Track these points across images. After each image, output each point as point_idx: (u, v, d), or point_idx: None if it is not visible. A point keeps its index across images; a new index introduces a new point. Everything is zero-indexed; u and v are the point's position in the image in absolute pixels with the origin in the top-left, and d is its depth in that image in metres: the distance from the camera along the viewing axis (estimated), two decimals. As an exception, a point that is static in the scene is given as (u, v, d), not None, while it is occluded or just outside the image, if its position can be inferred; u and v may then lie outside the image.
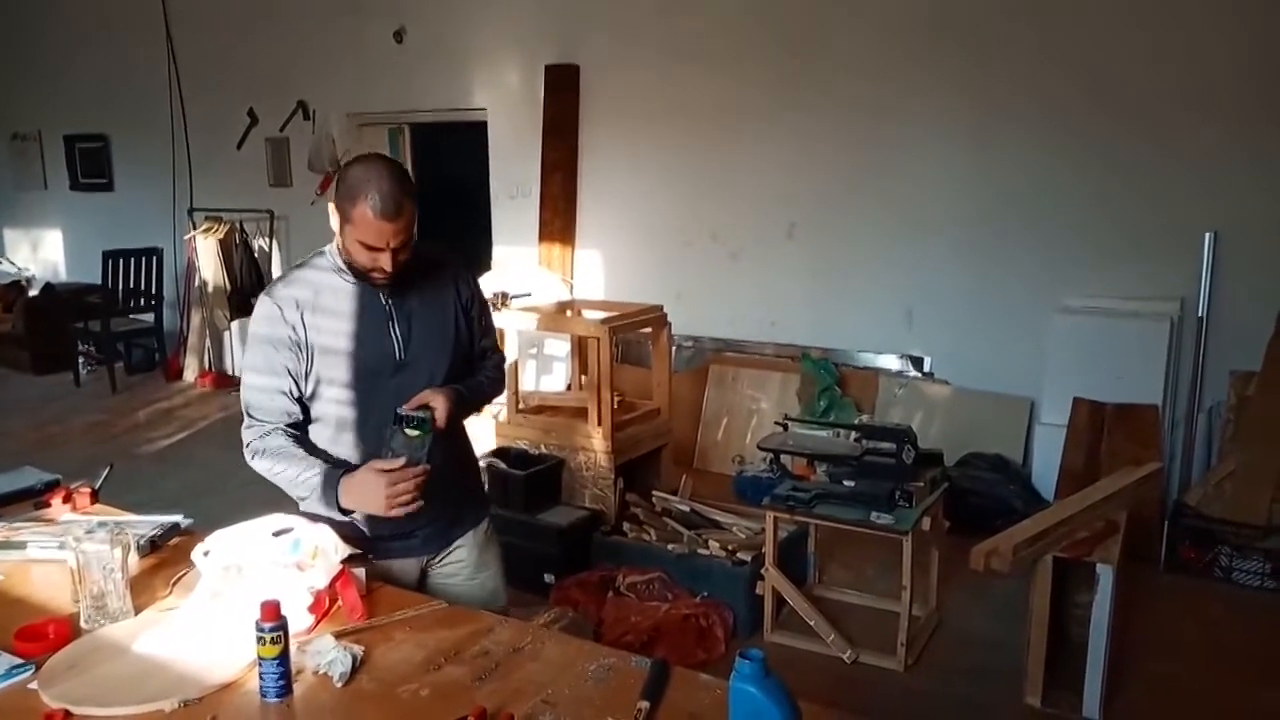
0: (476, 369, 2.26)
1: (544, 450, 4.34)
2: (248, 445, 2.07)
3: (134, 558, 2.10)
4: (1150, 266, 4.67)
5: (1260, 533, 4.07)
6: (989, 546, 2.95)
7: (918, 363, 5.30)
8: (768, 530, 3.57)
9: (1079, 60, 4.71)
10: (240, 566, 1.86)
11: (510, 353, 5.11)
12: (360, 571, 2.01)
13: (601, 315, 4.53)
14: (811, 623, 3.55)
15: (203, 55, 7.71)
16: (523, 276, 5.42)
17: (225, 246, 7.37)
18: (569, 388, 5.28)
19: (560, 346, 5.91)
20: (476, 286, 2.25)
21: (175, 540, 2.29)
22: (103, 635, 1.82)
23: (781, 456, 3.75)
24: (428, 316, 2.11)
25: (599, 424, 4.22)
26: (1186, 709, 3.18)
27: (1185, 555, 4.17)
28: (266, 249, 7.59)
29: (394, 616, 1.91)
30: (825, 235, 5.51)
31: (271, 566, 1.86)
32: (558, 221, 6.25)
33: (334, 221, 1.98)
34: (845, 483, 3.50)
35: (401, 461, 1.93)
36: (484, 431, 4.48)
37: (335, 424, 2.09)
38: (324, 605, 1.90)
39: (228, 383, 7.82)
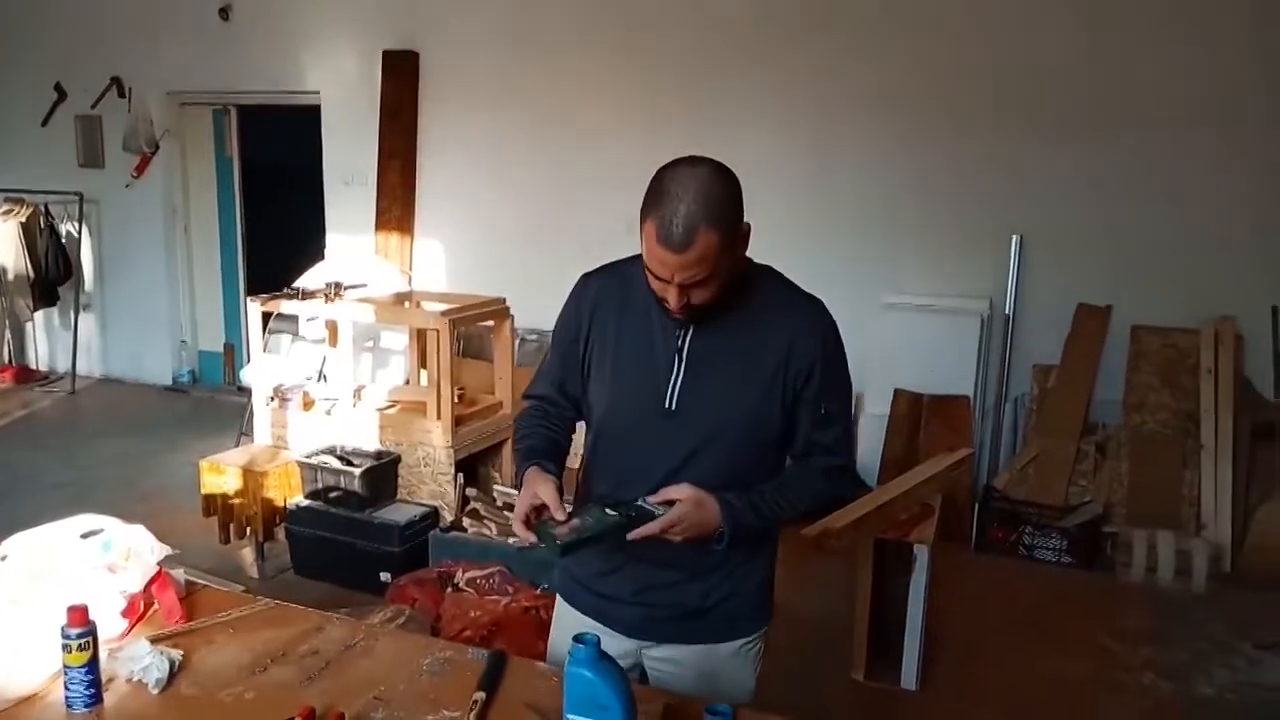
0: (797, 467, 1.73)
1: (380, 446, 4.24)
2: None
3: (-81, 566, 1.93)
4: (963, 267, 5.00)
5: (1058, 513, 4.43)
6: (816, 530, 3.08)
7: (753, 356, 5.46)
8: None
9: (906, 71, 4.98)
10: (44, 571, 1.74)
11: (344, 345, 4.96)
12: (179, 573, 1.92)
13: (441, 307, 4.46)
14: (650, 611, 3.61)
15: (1, 22, 7.10)
16: (358, 266, 5.26)
17: (28, 231, 6.81)
18: (407, 381, 5.17)
19: (398, 339, 5.78)
20: (828, 358, 1.67)
21: (-32, 546, 2.11)
22: (-119, 651, 1.66)
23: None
24: (727, 368, 1.64)
25: (438, 418, 4.16)
26: (994, 676, 3.42)
27: (993, 535, 4.49)
28: (76, 234, 7.07)
29: (216, 618, 1.83)
30: (665, 231, 5.59)
31: (80, 569, 1.74)
32: (395, 210, 6.10)
33: None
34: (683, 472, 3.58)
35: (564, 518, 1.57)
36: (317, 426, 4.33)
37: (596, 441, 1.77)
38: (139, 609, 1.80)
39: (31, 377, 7.25)
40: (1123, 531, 4.35)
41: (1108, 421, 4.65)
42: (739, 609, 1.75)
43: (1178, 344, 4.58)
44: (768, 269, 1.73)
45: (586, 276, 1.77)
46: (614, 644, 1.70)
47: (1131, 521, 4.41)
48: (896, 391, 4.85)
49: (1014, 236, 4.84)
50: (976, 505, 4.57)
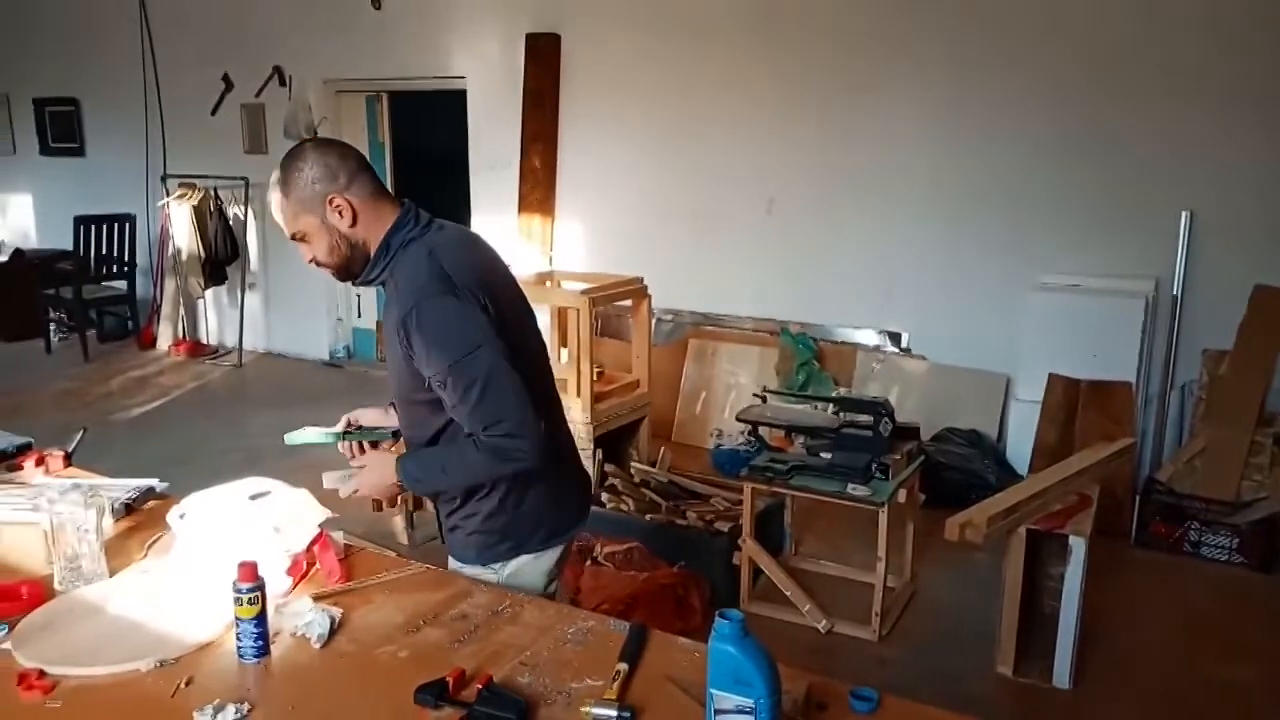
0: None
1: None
2: None
3: (108, 520, 2.09)
4: (1126, 245, 4.70)
5: (1229, 509, 4.13)
6: (964, 518, 2.98)
7: (895, 338, 5.32)
8: (745, 501, 3.58)
9: (1060, 39, 4.71)
10: (217, 529, 1.85)
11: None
12: (338, 535, 2.01)
13: (581, 286, 4.52)
14: (788, 593, 3.57)
15: (176, 18, 7.57)
16: (502, 248, 5.39)
17: (200, 214, 7.27)
18: (548, 359, 5.27)
19: (540, 318, 5.88)
20: (415, 330, 1.78)
21: (150, 504, 2.28)
22: (77, 596, 1.80)
23: (760, 428, 3.77)
24: (389, 334, 1.89)
25: (578, 395, 4.22)
26: (1154, 680, 3.23)
27: (1156, 530, 4.23)
28: (242, 217, 7.50)
29: (373, 580, 1.91)
30: (804, 211, 5.51)
31: (249, 529, 1.85)
32: (537, 193, 6.21)
33: None
34: (823, 455, 3.51)
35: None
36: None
37: None
38: (302, 568, 1.90)
39: (203, 351, 7.76)
40: (1303, 531, 4.03)
41: (1287, 412, 4.31)
42: (460, 540, 2.07)
43: (1371, 329, 4.19)
44: (428, 241, 1.88)
45: None
46: None
47: (1313, 520, 4.08)
48: (1051, 376, 4.62)
49: (1184, 212, 4.52)
50: (1138, 498, 4.31)
